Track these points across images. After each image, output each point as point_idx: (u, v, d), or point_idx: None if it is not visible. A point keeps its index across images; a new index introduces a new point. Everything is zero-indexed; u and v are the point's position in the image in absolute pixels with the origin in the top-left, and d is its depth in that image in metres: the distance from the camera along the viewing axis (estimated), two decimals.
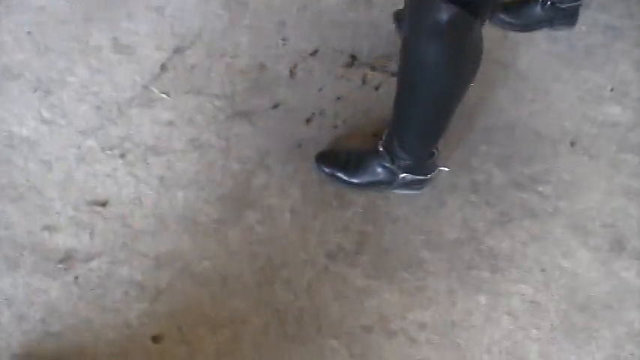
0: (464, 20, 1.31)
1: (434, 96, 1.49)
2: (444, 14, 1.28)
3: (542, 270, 1.70)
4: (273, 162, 1.86)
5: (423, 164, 1.73)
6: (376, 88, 2.02)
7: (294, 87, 2.01)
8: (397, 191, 1.79)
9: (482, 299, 1.64)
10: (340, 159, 1.79)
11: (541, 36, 2.11)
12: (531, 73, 2.03)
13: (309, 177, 1.83)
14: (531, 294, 1.66)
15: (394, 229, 1.75)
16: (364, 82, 2.03)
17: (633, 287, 1.68)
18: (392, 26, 2.12)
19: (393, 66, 2.01)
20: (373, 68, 2.05)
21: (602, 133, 1.92)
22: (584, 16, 2.12)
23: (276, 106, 1.97)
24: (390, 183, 1.76)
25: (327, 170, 1.79)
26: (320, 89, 2.01)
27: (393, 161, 1.72)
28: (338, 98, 1.99)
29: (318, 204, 1.78)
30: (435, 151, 1.72)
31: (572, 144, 1.90)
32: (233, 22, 2.13)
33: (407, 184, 1.77)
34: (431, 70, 1.41)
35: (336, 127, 1.93)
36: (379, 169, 1.74)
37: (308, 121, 1.94)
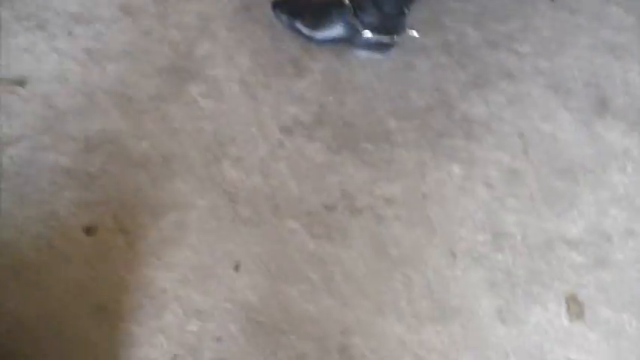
0: None
1: None
2: None
3: (521, 135, 1.54)
4: (218, 28, 1.63)
5: (390, 23, 1.53)
6: None
7: None
8: (359, 52, 1.59)
9: (456, 169, 1.49)
10: (300, 6, 1.59)
11: None
12: None
13: (260, 43, 1.62)
14: (509, 161, 1.50)
15: (357, 97, 1.56)
16: None
17: (617, 149, 1.54)
18: None
19: None
20: None
21: None
22: None
23: None
24: (351, 41, 1.56)
25: (284, 18, 1.60)
26: None
27: (357, 15, 1.52)
28: None
29: (270, 73, 1.58)
30: (405, 10, 1.52)
31: None
32: None
33: (370, 46, 1.57)
34: None
35: None
36: (341, 24, 1.55)
37: None
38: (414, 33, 1.61)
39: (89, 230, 1.35)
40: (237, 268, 1.34)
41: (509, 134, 1.54)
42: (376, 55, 1.60)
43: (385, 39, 1.56)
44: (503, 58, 1.64)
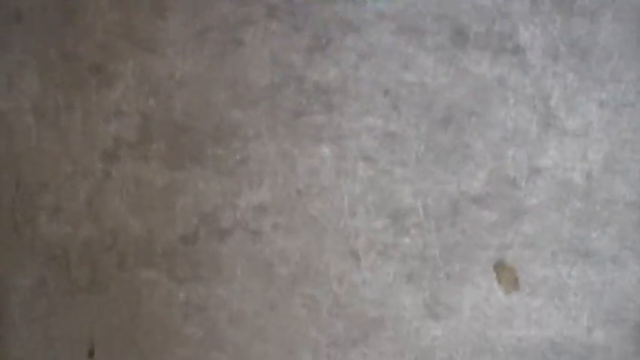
0: None
1: None
2: None
3: (386, 92, 1.32)
4: None
5: None
6: None
7: None
8: None
9: (326, 150, 1.24)
10: None
11: None
12: None
13: (46, 56, 1.27)
14: (382, 125, 1.28)
15: (185, 94, 1.27)
16: None
17: (491, 81, 1.36)
18: None
19: None
20: None
21: None
22: None
23: None
24: None
25: None
26: None
27: None
28: None
29: (69, 90, 1.24)
30: None
31: None
32: None
33: None
34: None
35: None
36: None
37: None
38: None
39: None
40: (91, 354, 1.01)
41: (373, 94, 1.32)
42: None
43: None
44: (340, 10, 1.41)
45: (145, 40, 1.32)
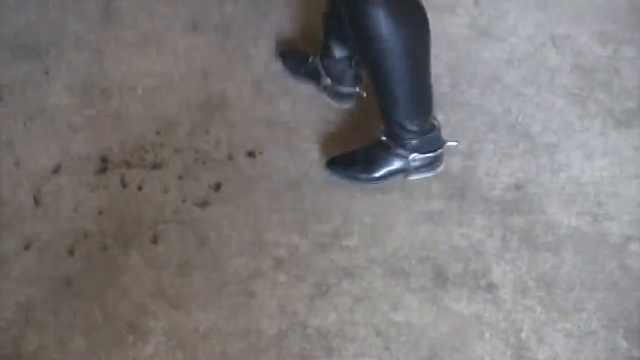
0: None
1: (400, 60, 1.55)
2: None
3: (378, 333, 1.54)
4: (43, 314, 1.53)
5: (428, 139, 1.69)
6: (140, 188, 1.76)
7: (44, 216, 1.69)
8: (413, 177, 1.74)
9: None
10: (352, 159, 1.76)
11: None
12: None
13: (91, 318, 1.52)
14: None
15: (203, 344, 1.50)
16: (124, 184, 1.77)
17: (469, 318, 1.58)
18: (135, 108, 1.89)
19: (150, 156, 1.78)
20: (129, 165, 1.80)
21: None
22: None
23: (28, 247, 1.64)
24: (405, 169, 1.72)
25: (344, 173, 1.75)
26: (75, 209, 1.71)
27: (399, 145, 1.69)
28: (100, 213, 1.71)
29: (110, 348, 1.48)
30: (435, 122, 1.69)
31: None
32: None
33: (420, 167, 1.72)
34: (383, 37, 1.50)
35: (105, 248, 1.65)
36: (390, 158, 1.71)
37: (71, 252, 1.63)
38: (454, 142, 1.77)
39: None
40: None
41: (367, 336, 1.54)
42: (429, 173, 1.73)
43: (431, 154, 1.70)
44: (336, 259, 1.67)
45: (173, 297, 1.57)
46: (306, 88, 1.95)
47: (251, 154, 1.82)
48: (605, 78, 2.02)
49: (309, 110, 1.92)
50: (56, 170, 1.77)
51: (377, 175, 1.73)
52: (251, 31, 2.12)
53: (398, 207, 1.76)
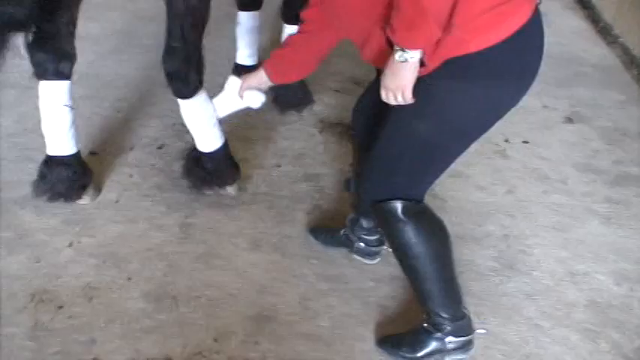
0: (415, 205, 1.90)
1: (429, 263, 1.91)
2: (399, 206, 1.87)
3: None
4: None
5: (460, 325, 1.99)
6: None
7: None
8: (449, 358, 2.02)
9: None
10: (400, 341, 2.06)
11: None
12: None
13: None
14: None
15: None
16: None
17: None
18: (198, 315, 2.19)
19: None
20: None
21: None
22: None
23: None
24: (441, 350, 2.01)
25: (393, 352, 2.06)
26: None
27: (437, 330, 1.99)
28: None
29: None
30: (465, 311, 2.01)
31: None
32: (40, 353, 2.07)
33: (454, 350, 2.01)
34: (414, 248, 1.90)
35: None
36: (430, 340, 2.01)
37: None
38: (482, 331, 2.10)
39: None
40: None
41: None
42: (463, 355, 2.03)
43: (464, 339, 2.01)
44: None
45: None
46: (346, 305, 2.23)
47: None
48: (618, 316, 2.22)
49: (347, 329, 2.18)
50: None
51: (419, 355, 2.03)
52: (304, 251, 2.46)
53: None
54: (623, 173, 2.89)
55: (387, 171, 1.89)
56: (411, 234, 1.89)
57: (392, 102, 1.76)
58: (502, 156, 2.99)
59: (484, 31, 1.63)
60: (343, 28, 1.88)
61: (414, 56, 1.64)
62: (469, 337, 2.03)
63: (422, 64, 1.68)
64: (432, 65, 1.69)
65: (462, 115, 1.75)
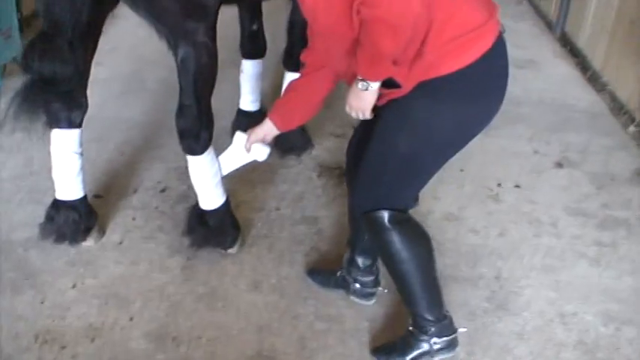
0: (401, 215, 2.06)
1: (414, 267, 2.07)
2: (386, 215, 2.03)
3: None
4: None
5: (443, 326, 2.15)
6: None
7: None
8: (436, 358, 2.17)
9: None
10: (392, 348, 2.22)
11: None
12: None
13: None
14: None
15: None
16: None
17: None
18: (198, 355, 2.25)
19: None
20: None
21: None
22: None
23: None
24: (429, 351, 2.17)
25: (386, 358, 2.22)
26: None
27: (423, 332, 2.14)
28: None
29: None
30: (446, 313, 2.17)
31: None
32: None
33: (440, 350, 2.17)
34: (400, 253, 2.06)
35: None
36: (418, 343, 2.16)
37: None
38: (463, 329, 2.26)
39: None
40: None
41: None
42: (449, 354, 2.18)
43: (448, 337, 2.16)
44: None
45: None
46: (342, 345, 2.29)
47: None
48: (605, 356, 2.29)
49: None
50: None
51: (408, 358, 2.18)
52: (303, 292, 2.53)
53: None
54: (611, 217, 2.98)
55: (372, 183, 2.05)
56: (397, 240, 2.06)
57: (354, 116, 2.00)
58: (495, 200, 3.08)
59: (453, 56, 1.84)
60: (333, 64, 2.05)
61: (373, 86, 1.89)
62: (453, 335, 2.18)
63: (398, 86, 1.89)
64: (407, 87, 1.89)
65: (436, 132, 1.94)
